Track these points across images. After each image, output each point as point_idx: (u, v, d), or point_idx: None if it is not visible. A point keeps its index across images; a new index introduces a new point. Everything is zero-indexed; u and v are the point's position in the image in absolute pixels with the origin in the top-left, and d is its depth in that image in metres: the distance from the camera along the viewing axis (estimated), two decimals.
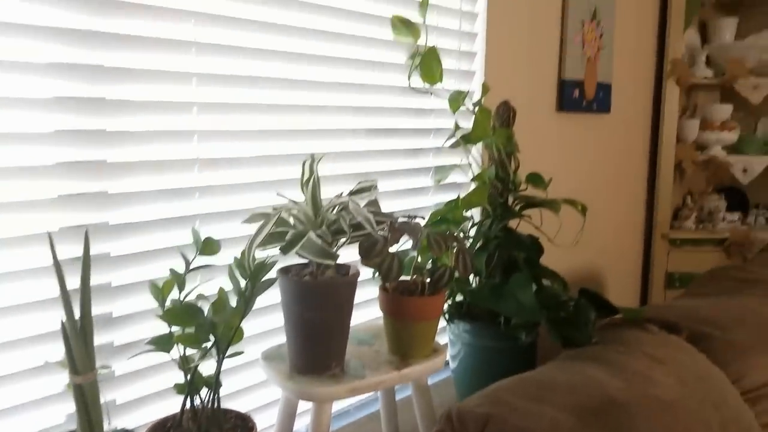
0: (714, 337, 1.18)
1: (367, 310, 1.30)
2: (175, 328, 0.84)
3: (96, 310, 0.89)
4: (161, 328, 0.86)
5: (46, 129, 0.83)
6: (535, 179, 1.26)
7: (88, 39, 0.85)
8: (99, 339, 0.89)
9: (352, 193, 0.96)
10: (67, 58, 0.84)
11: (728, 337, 1.19)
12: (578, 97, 1.87)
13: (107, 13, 0.87)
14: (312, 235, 0.86)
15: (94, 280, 0.89)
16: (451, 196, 1.46)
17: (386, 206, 1.31)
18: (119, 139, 0.90)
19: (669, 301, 1.41)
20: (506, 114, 1.31)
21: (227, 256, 1.02)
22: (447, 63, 1.42)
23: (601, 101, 1.97)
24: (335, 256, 0.85)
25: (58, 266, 0.74)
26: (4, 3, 0.78)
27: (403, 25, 1.26)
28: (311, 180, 0.91)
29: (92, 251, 0.88)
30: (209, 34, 0.98)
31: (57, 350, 0.86)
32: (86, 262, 0.75)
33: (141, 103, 0.91)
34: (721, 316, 1.25)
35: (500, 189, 1.28)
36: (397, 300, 0.98)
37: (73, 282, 0.84)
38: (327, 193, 1.16)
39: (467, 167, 1.46)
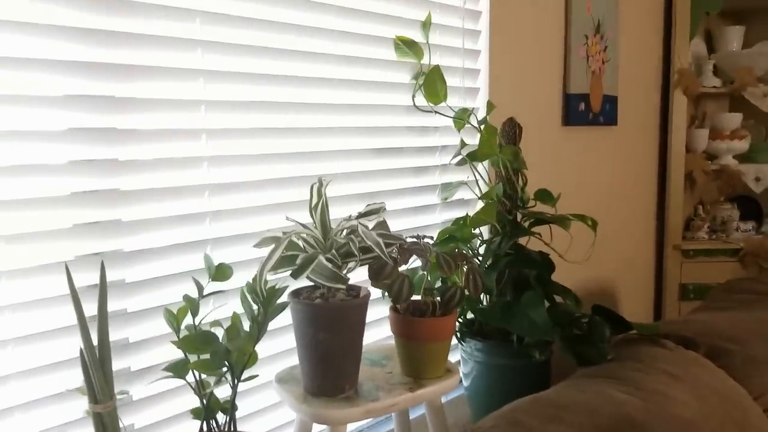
0: (732, 352, 1.17)
1: (378, 329, 1.31)
2: (190, 355, 0.85)
3: (113, 336, 0.90)
4: (177, 352, 0.87)
5: (61, 160, 0.85)
6: (543, 196, 1.26)
7: (99, 71, 0.88)
8: (116, 364, 0.90)
9: (360, 216, 0.97)
10: (78, 90, 0.86)
11: (747, 351, 1.18)
12: (584, 110, 1.87)
13: (115, 45, 0.89)
14: (322, 258, 0.87)
15: (111, 306, 0.90)
16: (459, 213, 1.46)
17: (394, 225, 1.32)
18: (131, 168, 0.92)
19: (685, 316, 1.39)
20: (512, 131, 1.32)
21: (239, 279, 1.03)
22: (451, 81, 1.43)
23: (607, 114, 1.97)
24: (346, 280, 0.86)
25: (75, 295, 0.76)
26: (11, 37, 0.80)
27: (406, 45, 1.28)
28: (320, 204, 0.92)
29: (108, 278, 0.89)
30: (217, 62, 1.00)
31: (76, 377, 0.87)
32: (103, 293, 0.76)
33: (152, 132, 0.93)
34: (739, 330, 1.24)
35: (509, 206, 1.28)
36: (409, 322, 0.98)
37: (90, 309, 0.85)
38: (335, 213, 1.17)
39: (474, 184, 1.47)
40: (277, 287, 0.85)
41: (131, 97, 0.91)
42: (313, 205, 0.93)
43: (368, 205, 0.98)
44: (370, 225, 0.98)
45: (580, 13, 1.83)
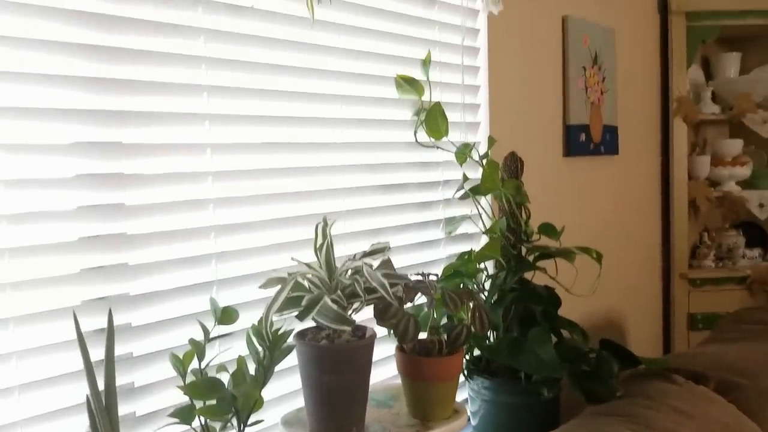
0: (743, 386, 1.15)
1: (384, 368, 1.29)
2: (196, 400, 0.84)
3: (118, 380, 0.90)
4: (183, 396, 0.87)
5: (70, 206, 0.86)
6: (547, 230, 1.27)
7: (107, 118, 0.89)
8: (122, 409, 0.90)
9: (365, 255, 0.97)
10: (86, 137, 0.87)
11: (758, 384, 1.16)
12: (585, 140, 1.89)
13: (122, 92, 0.91)
14: (327, 300, 0.87)
15: (116, 350, 0.90)
16: (463, 246, 1.47)
17: (399, 260, 1.32)
18: (138, 212, 0.93)
19: (693, 349, 1.38)
20: (514, 165, 1.33)
21: (245, 319, 1.03)
22: (452, 116, 1.45)
23: (608, 144, 1.99)
24: (351, 322, 0.85)
25: (82, 342, 0.76)
26: (21, 87, 0.82)
27: (407, 83, 1.30)
28: (325, 244, 0.92)
29: (114, 322, 0.89)
30: (222, 106, 1.02)
31: (82, 423, 0.87)
32: (110, 340, 0.76)
33: (158, 176, 0.95)
34: (749, 363, 1.23)
35: (513, 240, 1.28)
36: (415, 362, 0.97)
37: (96, 353, 0.85)
38: (340, 250, 1.17)
39: (477, 218, 1.48)
40: (282, 331, 0.85)
41: (138, 142, 0.92)
42: (318, 245, 0.94)
43: (373, 244, 0.98)
44: (375, 264, 0.98)
45: (577, 46, 1.86)
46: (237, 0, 1.02)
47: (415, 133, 1.34)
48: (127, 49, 0.90)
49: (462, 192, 1.37)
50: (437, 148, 1.36)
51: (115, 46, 0.89)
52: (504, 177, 1.33)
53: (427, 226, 1.40)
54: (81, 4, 0.85)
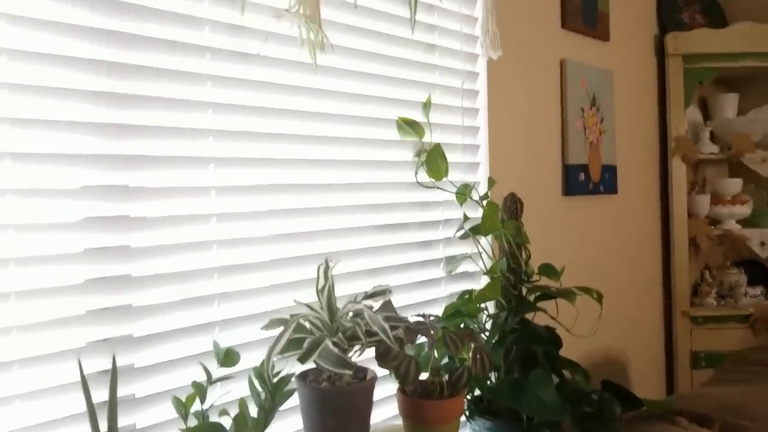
0: (748, 429, 1.15)
1: (386, 407, 1.29)
2: None
3: (120, 422, 0.90)
4: None
5: (77, 248, 0.88)
6: (547, 270, 1.28)
7: (111, 162, 0.92)
8: None
9: (366, 297, 0.99)
10: (94, 181, 0.90)
11: (763, 428, 1.15)
12: (584, 180, 1.92)
13: (128, 137, 0.94)
14: (329, 343, 0.88)
15: (119, 391, 0.90)
16: (464, 285, 1.47)
17: (400, 299, 1.33)
18: (143, 254, 0.95)
19: (696, 390, 1.37)
20: (513, 206, 1.35)
21: (247, 359, 1.04)
22: (452, 156, 1.48)
23: (607, 183, 2.01)
24: (352, 366, 0.86)
25: (85, 385, 0.77)
26: (29, 132, 0.85)
27: (408, 125, 1.33)
28: (326, 287, 0.94)
29: (117, 363, 0.90)
30: (227, 149, 1.05)
31: None
32: (113, 383, 0.77)
33: (162, 219, 0.97)
34: (753, 405, 1.22)
35: (513, 281, 1.29)
36: (417, 404, 0.98)
37: (98, 395, 0.86)
38: (342, 290, 1.19)
39: (478, 257, 1.49)
40: (284, 375, 0.86)
41: (144, 186, 0.95)
42: (320, 288, 0.95)
43: (374, 287, 0.99)
44: (376, 306, 0.99)
45: (575, 88, 1.90)
46: (243, 47, 1.06)
47: (416, 173, 1.37)
48: (134, 95, 0.93)
49: (462, 232, 1.39)
50: (437, 188, 1.39)
51: (122, 92, 0.92)
52: (504, 218, 1.35)
53: (428, 264, 1.41)
54: (89, 51, 0.89)
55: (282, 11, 1.08)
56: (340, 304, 0.98)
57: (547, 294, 1.29)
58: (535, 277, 1.32)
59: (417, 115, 1.38)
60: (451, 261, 1.44)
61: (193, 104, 1.01)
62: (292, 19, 1.06)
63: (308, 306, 0.96)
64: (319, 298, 0.95)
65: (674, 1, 2.43)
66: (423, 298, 1.39)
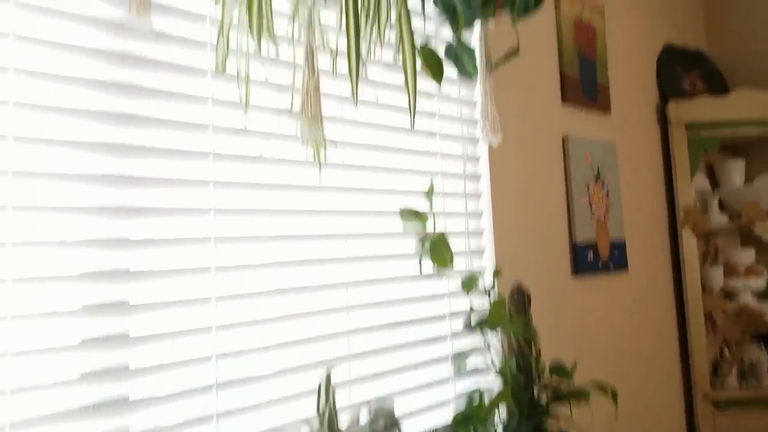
0: None
1: None
2: None
3: None
4: None
5: (73, 306, 0.85)
6: (559, 371, 1.21)
7: (113, 245, 0.88)
8: None
9: (371, 423, 0.91)
10: (92, 267, 0.86)
11: None
12: (593, 258, 1.86)
13: (124, 217, 0.90)
14: None
15: None
16: (473, 380, 1.39)
17: (407, 402, 1.25)
18: (141, 343, 0.90)
19: None
20: (521, 300, 1.29)
21: None
22: (456, 243, 1.43)
23: (617, 260, 1.95)
24: None
25: None
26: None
27: (411, 214, 1.29)
28: (327, 410, 0.87)
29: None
30: (227, 256, 1.01)
31: None
32: None
33: (161, 304, 0.93)
34: None
35: (524, 382, 1.21)
36: None
37: None
38: (345, 396, 1.11)
39: (486, 350, 1.42)
40: None
41: (146, 270, 0.91)
42: (321, 410, 0.88)
43: (378, 411, 0.92)
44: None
45: (579, 165, 1.87)
46: (246, 151, 1.05)
47: (420, 263, 1.32)
48: (138, 176, 0.92)
49: (469, 325, 1.33)
50: (442, 276, 1.33)
51: (126, 177, 0.90)
52: (511, 311, 1.29)
53: (436, 362, 1.33)
54: (94, 135, 0.87)
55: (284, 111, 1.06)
56: (342, 417, 0.90)
57: (559, 395, 1.21)
58: (546, 377, 1.24)
59: (419, 203, 1.34)
60: (459, 357, 1.37)
61: (194, 183, 0.98)
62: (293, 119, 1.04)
63: (308, 427, 0.89)
64: (320, 421, 0.88)
65: (674, 68, 2.43)
66: (431, 401, 1.31)
